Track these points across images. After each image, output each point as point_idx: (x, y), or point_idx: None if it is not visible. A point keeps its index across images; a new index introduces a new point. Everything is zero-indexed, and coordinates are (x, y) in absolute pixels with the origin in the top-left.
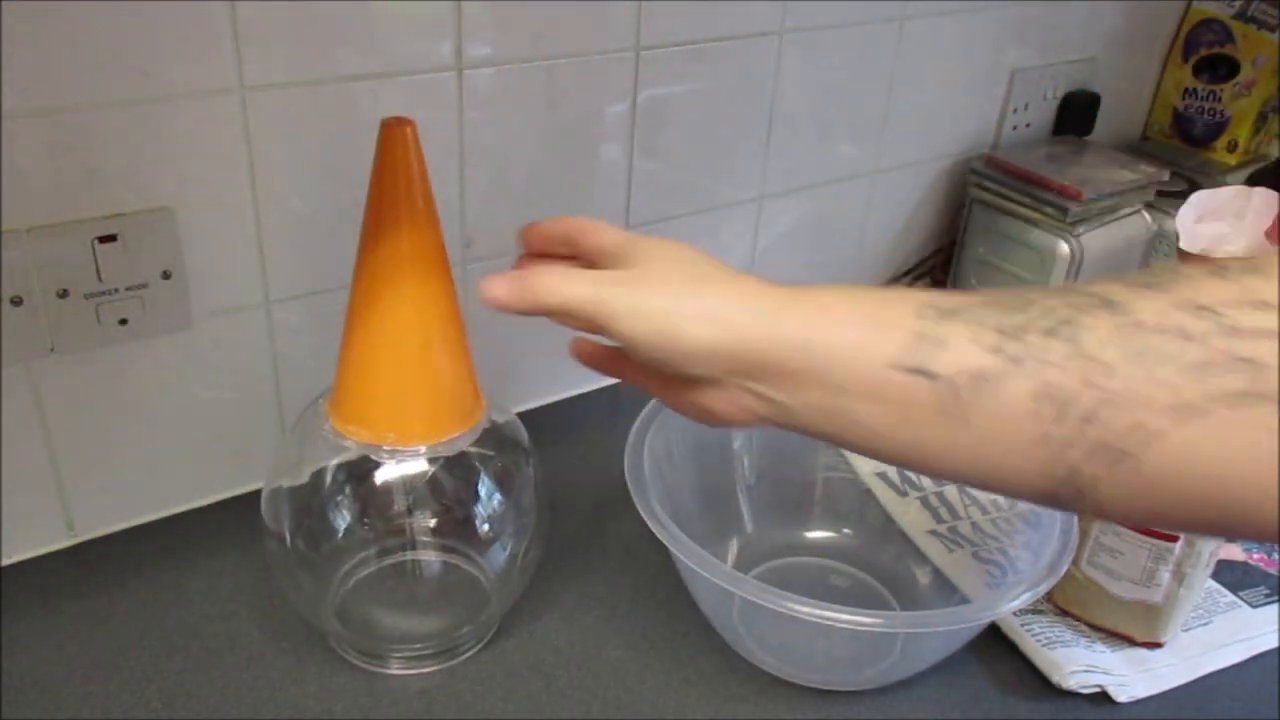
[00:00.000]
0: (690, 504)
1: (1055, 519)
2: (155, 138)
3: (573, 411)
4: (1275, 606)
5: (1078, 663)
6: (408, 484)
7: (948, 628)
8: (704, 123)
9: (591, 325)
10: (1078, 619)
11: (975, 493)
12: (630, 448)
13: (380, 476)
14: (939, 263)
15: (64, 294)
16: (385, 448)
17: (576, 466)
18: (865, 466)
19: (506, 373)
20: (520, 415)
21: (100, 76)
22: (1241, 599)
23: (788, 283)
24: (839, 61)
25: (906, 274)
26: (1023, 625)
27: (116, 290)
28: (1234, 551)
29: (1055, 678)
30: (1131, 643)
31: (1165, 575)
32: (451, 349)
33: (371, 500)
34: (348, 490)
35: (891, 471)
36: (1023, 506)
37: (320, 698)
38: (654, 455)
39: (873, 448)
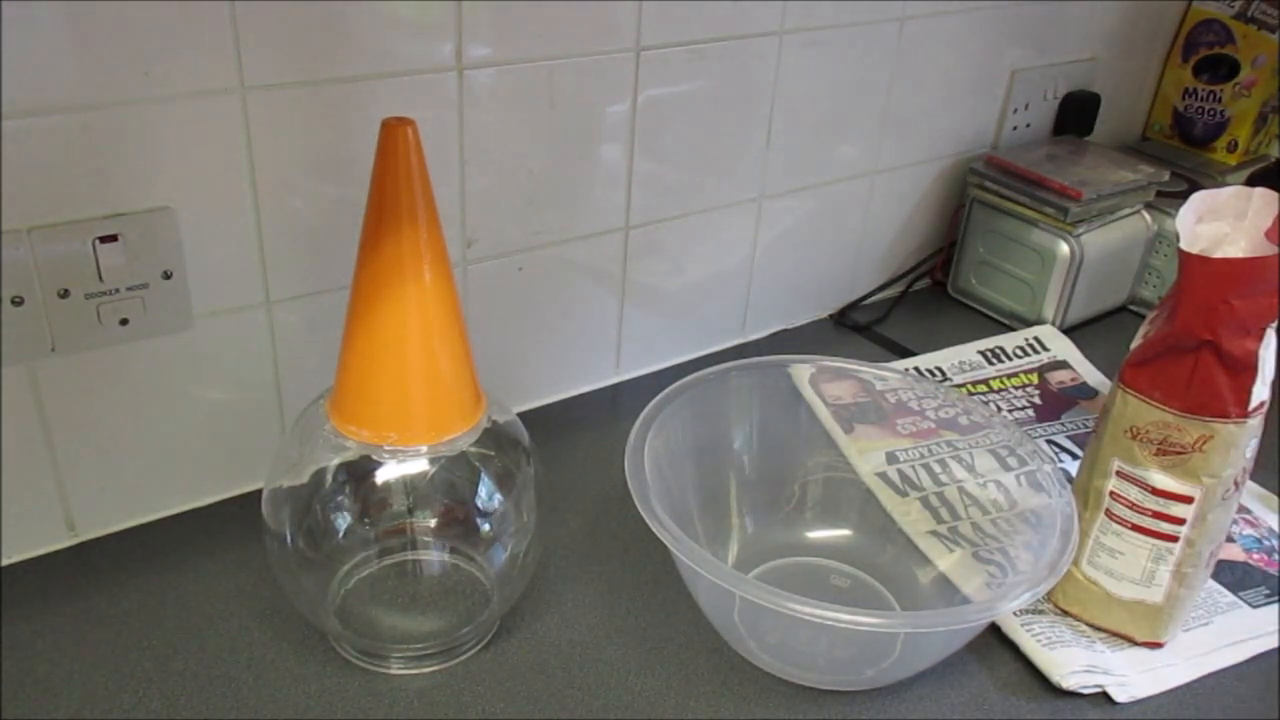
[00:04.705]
0: (690, 504)
1: (1056, 519)
2: (155, 138)
3: (573, 411)
4: (1275, 606)
5: (1078, 663)
6: (408, 484)
7: (948, 628)
8: (704, 123)
9: None
10: (1078, 619)
11: (975, 493)
12: (630, 448)
13: (381, 476)
14: (939, 263)
15: (65, 294)
16: (386, 448)
17: (576, 466)
18: (865, 466)
19: (506, 373)
20: (520, 415)
21: (100, 76)
22: (1242, 599)
23: (787, 283)
24: (839, 61)
25: (906, 274)
26: (1023, 625)
27: (117, 290)
28: (1234, 552)
29: (1055, 678)
30: (1132, 643)
31: (1165, 575)
32: (452, 349)
33: (372, 500)
34: (348, 490)
35: (891, 471)
36: (1023, 506)
37: (320, 698)
38: (654, 455)
39: None
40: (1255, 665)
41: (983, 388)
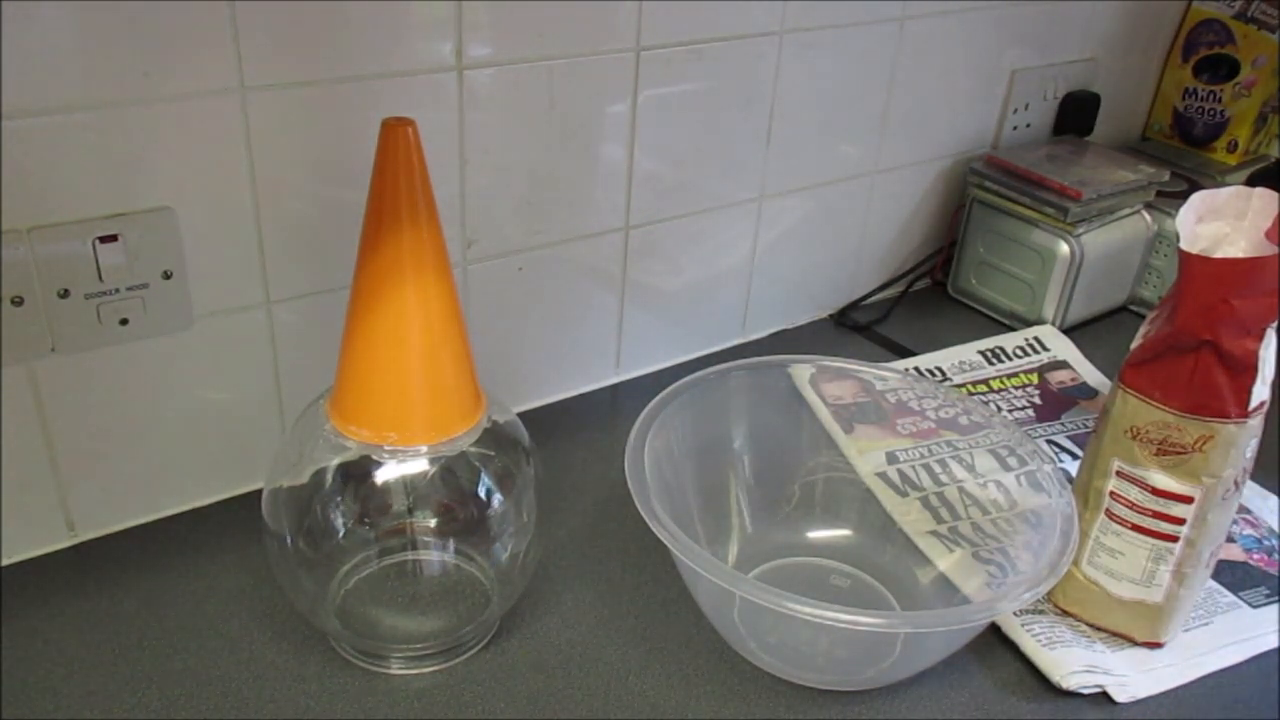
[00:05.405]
0: (690, 504)
1: (1056, 519)
2: (155, 138)
3: (573, 411)
4: (1275, 606)
5: (1078, 663)
6: (408, 484)
7: (948, 628)
8: (704, 123)
9: None
10: (1078, 619)
11: (975, 493)
12: (630, 448)
13: (381, 476)
14: (939, 263)
15: (65, 294)
16: (386, 447)
17: (576, 466)
18: (865, 466)
19: (506, 373)
20: (520, 415)
21: (100, 76)
22: (1241, 599)
23: (787, 283)
24: (839, 61)
25: (906, 274)
26: (1023, 625)
27: (117, 290)
28: (1234, 552)
29: (1055, 678)
30: (1132, 643)
31: (1165, 575)
32: (452, 349)
33: (372, 500)
34: (348, 490)
35: (891, 471)
36: (1023, 507)
37: (320, 698)
38: (654, 455)
39: None
40: (1255, 665)
41: (983, 388)
